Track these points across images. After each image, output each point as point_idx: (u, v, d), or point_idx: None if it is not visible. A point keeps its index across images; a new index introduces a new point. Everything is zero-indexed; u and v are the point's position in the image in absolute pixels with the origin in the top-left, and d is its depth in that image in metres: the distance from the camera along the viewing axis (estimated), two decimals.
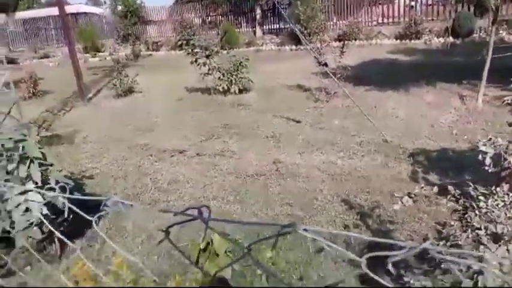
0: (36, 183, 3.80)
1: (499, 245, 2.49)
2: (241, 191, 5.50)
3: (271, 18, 23.22)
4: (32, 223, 3.84)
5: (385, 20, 19.91)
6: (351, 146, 6.70)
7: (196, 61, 10.21)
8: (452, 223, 2.80)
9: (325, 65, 7.73)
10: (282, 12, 16.93)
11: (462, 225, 2.63)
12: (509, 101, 3.84)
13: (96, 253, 4.25)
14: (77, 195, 4.30)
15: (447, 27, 16.75)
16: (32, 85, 11.74)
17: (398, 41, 17.94)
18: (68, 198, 1.28)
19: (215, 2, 23.85)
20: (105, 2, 31.04)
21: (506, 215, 2.78)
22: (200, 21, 24.18)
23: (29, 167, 3.89)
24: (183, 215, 0.92)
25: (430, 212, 4.57)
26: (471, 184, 3.05)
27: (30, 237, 3.83)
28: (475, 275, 2.82)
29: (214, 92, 10.43)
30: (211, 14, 24.50)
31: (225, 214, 4.88)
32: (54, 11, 15.63)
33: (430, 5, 19.43)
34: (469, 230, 2.52)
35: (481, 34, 16.23)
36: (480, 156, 3.21)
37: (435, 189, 3.15)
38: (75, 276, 2.57)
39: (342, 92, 8.25)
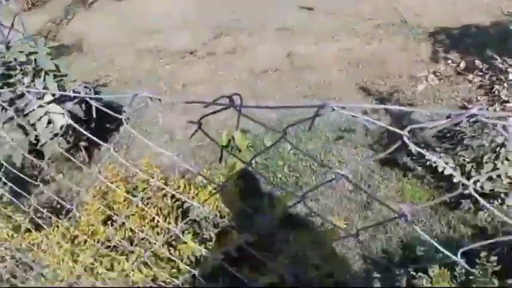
0: (54, 94, 3.81)
1: None
2: (256, 87, 5.44)
3: None
4: (56, 134, 3.95)
5: None
6: (368, 30, 6.39)
7: None
8: (478, 98, 2.74)
9: None
10: None
11: (489, 100, 2.57)
12: None
13: (123, 157, 4.42)
14: (103, 95, 4.33)
15: None
16: None
17: None
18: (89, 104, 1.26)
19: None
20: None
21: None
22: None
23: (44, 80, 3.87)
24: (214, 105, 0.89)
25: (454, 91, 4.47)
26: (498, 58, 2.91)
27: (58, 147, 3.96)
28: (498, 148, 2.85)
29: None
30: None
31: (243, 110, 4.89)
32: None
33: None
34: (496, 104, 2.46)
35: None
36: None
37: (462, 64, 3.02)
38: (107, 178, 2.70)
39: None
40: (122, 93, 5.79)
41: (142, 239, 2.22)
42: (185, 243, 2.15)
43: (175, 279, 1.89)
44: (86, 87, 4.40)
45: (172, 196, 2.47)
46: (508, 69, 2.56)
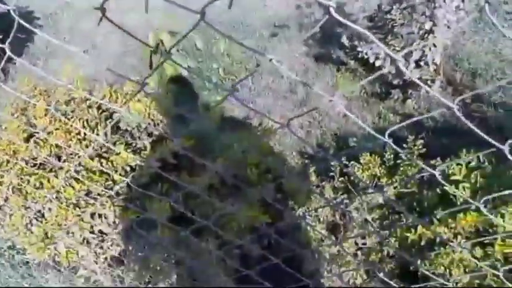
0: None
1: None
2: None
3: None
4: None
5: None
6: None
7: None
8: None
9: None
10: None
11: None
12: None
13: (41, 70, 4.02)
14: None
15: None
16: None
17: None
18: None
19: None
20: None
21: None
22: None
23: None
24: None
25: None
26: None
27: None
28: (426, 35, 2.89)
29: None
30: None
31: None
32: None
33: None
34: None
35: None
36: None
37: None
38: (24, 93, 2.44)
39: None
40: None
41: (71, 154, 2.09)
42: (118, 154, 2.05)
43: (110, 190, 1.83)
44: None
45: (99, 107, 2.30)
46: None
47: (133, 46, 4.06)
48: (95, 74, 3.46)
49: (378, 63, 3.21)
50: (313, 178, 2.51)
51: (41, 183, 2.04)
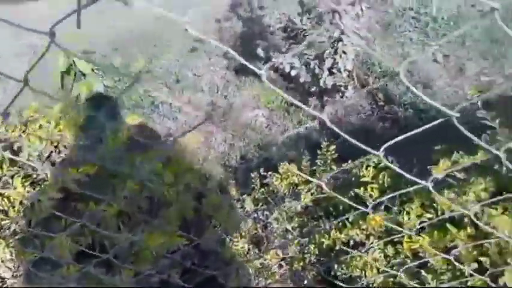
0: None
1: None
2: None
3: None
4: None
5: None
6: None
7: None
8: None
9: None
10: None
11: None
12: None
13: None
14: None
15: None
16: None
17: None
18: None
19: None
20: None
21: None
22: None
23: None
24: None
25: None
26: None
27: None
28: (336, 43, 2.99)
29: None
30: None
31: None
32: None
33: None
34: None
35: None
36: None
37: None
38: None
39: None
40: None
41: None
42: (16, 188, 1.89)
43: (7, 230, 1.67)
44: None
45: None
46: None
47: (42, 67, 3.82)
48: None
49: (293, 73, 3.27)
50: (234, 192, 2.49)
51: None
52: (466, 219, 1.69)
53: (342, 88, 3.21)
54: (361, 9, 2.68)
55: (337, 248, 1.89)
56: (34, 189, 1.91)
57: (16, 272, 1.81)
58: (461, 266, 1.58)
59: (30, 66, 0.93)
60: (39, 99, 3.55)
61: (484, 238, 1.58)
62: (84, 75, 3.72)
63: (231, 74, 3.85)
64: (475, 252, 1.62)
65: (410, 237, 1.75)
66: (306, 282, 2.13)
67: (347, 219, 1.90)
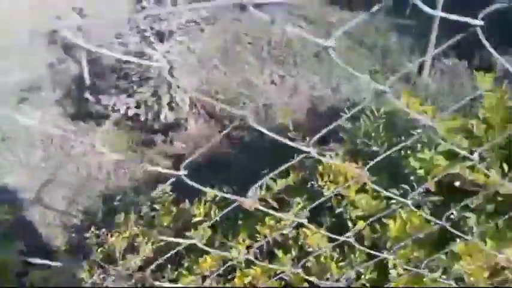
0: None
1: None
2: None
3: None
4: None
5: None
6: None
7: None
8: None
9: None
10: None
11: None
12: None
13: None
14: None
15: None
16: None
17: None
18: None
19: None
20: None
21: None
22: None
23: None
24: None
25: None
26: None
27: None
28: (166, 78, 2.94)
29: None
30: None
31: None
32: None
33: None
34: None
35: None
36: None
37: None
38: None
39: None
40: None
41: None
42: None
43: None
44: None
45: None
46: None
47: None
48: None
49: (131, 113, 3.14)
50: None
51: None
52: (290, 242, 1.74)
53: (182, 121, 3.17)
54: (171, 46, 2.69)
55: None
56: None
57: None
58: None
59: None
60: None
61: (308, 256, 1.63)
62: None
63: (68, 120, 3.55)
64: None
65: (241, 269, 1.73)
66: None
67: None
